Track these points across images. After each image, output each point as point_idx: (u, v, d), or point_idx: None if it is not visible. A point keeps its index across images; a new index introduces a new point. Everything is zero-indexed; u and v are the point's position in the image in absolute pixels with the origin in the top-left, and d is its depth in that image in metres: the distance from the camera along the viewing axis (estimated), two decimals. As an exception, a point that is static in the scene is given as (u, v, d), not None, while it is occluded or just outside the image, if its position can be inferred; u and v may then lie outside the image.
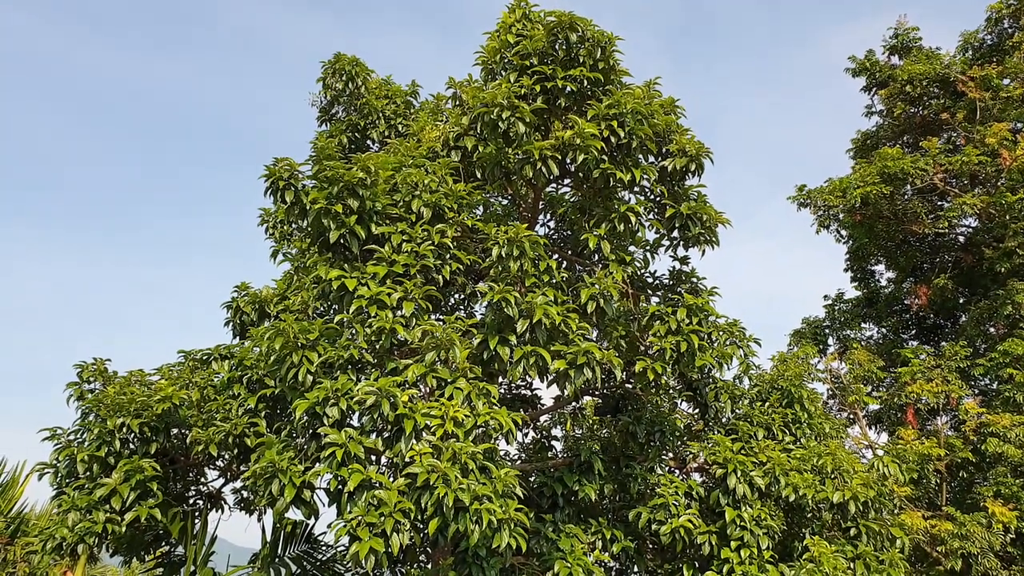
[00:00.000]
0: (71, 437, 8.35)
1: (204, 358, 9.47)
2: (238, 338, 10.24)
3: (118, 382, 8.58)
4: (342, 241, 7.49)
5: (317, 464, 6.80)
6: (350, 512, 6.20)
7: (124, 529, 7.73)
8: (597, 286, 7.56)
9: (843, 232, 17.64)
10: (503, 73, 8.35)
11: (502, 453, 8.54)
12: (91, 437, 8.08)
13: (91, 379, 8.85)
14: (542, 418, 11.29)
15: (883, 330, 18.24)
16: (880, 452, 13.99)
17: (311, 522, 9.45)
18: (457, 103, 9.21)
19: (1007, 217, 14.64)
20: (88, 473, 7.92)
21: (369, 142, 11.78)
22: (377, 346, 7.03)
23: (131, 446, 8.18)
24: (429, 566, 8.75)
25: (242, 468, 9.12)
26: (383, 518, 6.11)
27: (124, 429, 7.95)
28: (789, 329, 18.16)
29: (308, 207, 7.38)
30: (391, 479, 6.54)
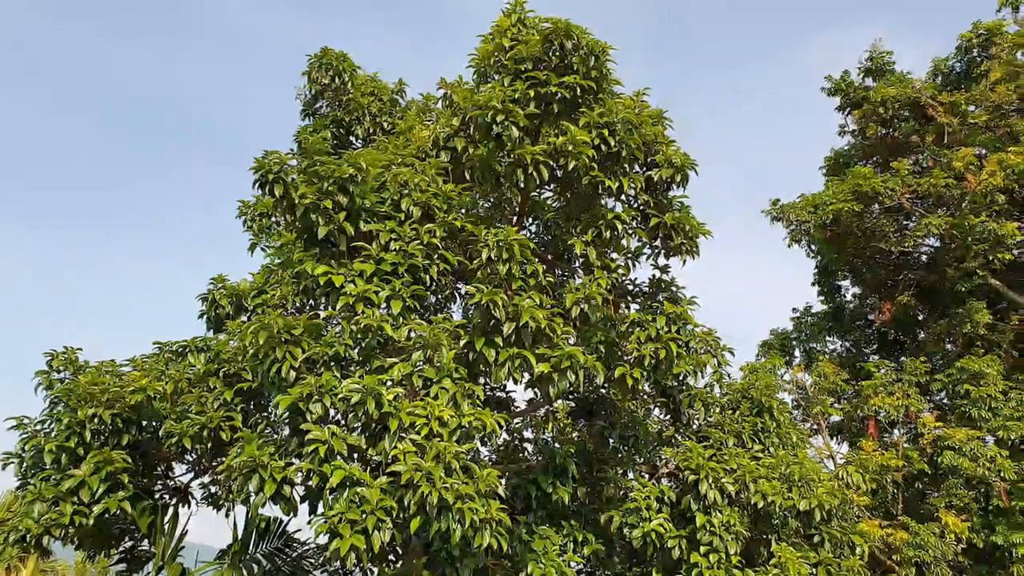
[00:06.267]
0: (38, 427, 8.14)
1: (179, 350, 9.32)
2: (213, 331, 10.09)
3: (89, 372, 8.39)
4: (330, 237, 7.45)
5: (298, 460, 6.76)
6: (332, 509, 6.18)
7: (92, 522, 7.57)
8: (582, 291, 7.65)
9: (813, 247, 18.10)
10: (496, 76, 8.40)
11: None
12: (60, 427, 7.88)
13: (61, 368, 8.63)
14: (514, 420, 11.35)
15: (847, 344, 18.75)
16: (842, 462, 14.40)
17: (287, 519, 9.38)
18: (448, 104, 9.22)
19: (969, 239, 15.17)
20: (56, 464, 7.73)
21: (353, 138, 11.71)
22: (363, 344, 7.02)
23: (102, 437, 8.00)
24: (399, 565, 8.73)
25: (213, 463, 9.00)
26: (365, 515, 6.11)
27: (95, 420, 7.79)
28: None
29: (297, 202, 7.33)
30: (373, 477, 6.53)
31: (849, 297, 19.45)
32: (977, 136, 16.38)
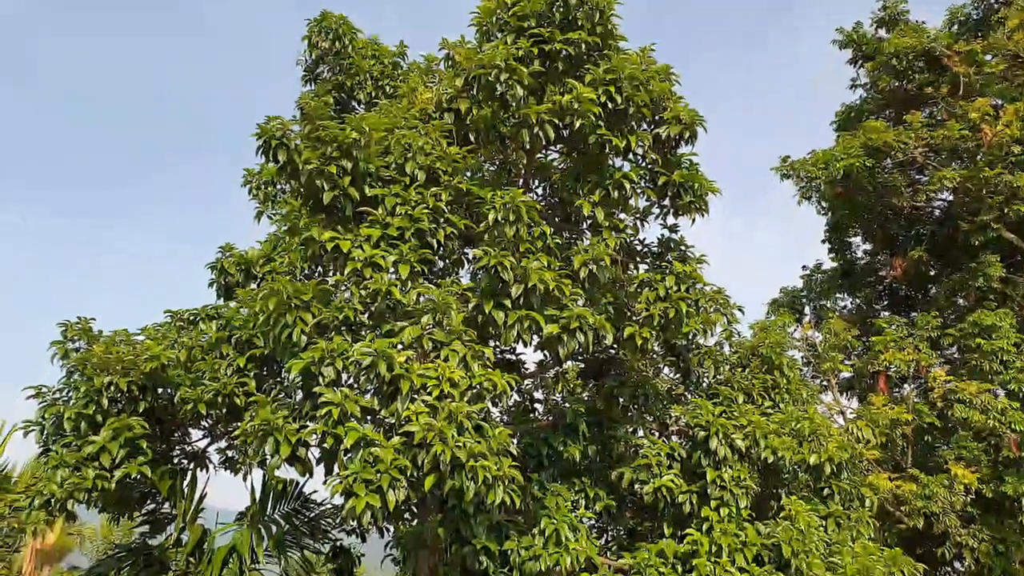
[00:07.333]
0: (56, 395, 8.30)
1: (191, 318, 9.43)
2: (222, 299, 10.17)
3: (104, 341, 8.52)
4: (335, 203, 7.44)
5: (311, 423, 6.86)
6: (347, 469, 6.29)
7: (113, 486, 7.76)
8: (590, 252, 7.63)
9: (823, 204, 17.89)
10: (498, 35, 8.25)
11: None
12: (78, 395, 8.04)
13: (76, 338, 8.76)
14: (524, 381, 11.45)
15: (857, 300, 18.66)
16: (852, 417, 14.47)
17: (303, 480, 9.57)
18: (451, 64, 9.10)
19: (983, 191, 14.94)
20: (76, 431, 7.90)
21: (355, 103, 11.61)
22: (372, 308, 7.06)
23: (119, 405, 8.16)
24: (414, 523, 8.91)
25: (229, 428, 9.15)
26: (379, 475, 6.21)
27: (112, 387, 7.94)
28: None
29: (301, 167, 7.30)
30: (386, 438, 6.62)
31: (860, 254, 19.28)
32: (993, 86, 15.99)
